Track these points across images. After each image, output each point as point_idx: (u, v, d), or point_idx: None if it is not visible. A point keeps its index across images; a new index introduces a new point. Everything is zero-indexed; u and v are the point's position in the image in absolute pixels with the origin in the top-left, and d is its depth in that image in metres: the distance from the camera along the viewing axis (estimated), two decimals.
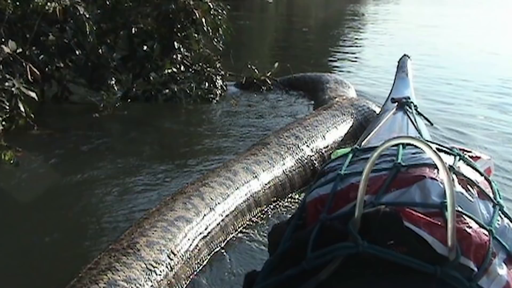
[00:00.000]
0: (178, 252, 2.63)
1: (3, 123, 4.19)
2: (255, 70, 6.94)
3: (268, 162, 3.67)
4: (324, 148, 4.17)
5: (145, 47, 6.01)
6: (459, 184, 1.85)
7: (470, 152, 2.27)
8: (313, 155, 4.02)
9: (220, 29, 6.39)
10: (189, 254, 2.71)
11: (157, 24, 6.14)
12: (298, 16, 18.94)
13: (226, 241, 3.06)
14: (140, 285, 2.34)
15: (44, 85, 5.58)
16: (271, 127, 5.20)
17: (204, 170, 3.97)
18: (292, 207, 3.52)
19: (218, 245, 2.99)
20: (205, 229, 2.90)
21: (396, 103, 3.76)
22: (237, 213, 3.21)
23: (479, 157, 2.27)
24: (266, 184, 3.53)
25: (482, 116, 6.16)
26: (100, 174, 4.02)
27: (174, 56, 6.18)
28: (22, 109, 4.20)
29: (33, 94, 4.30)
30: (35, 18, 5.15)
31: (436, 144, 2.13)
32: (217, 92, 6.28)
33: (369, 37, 13.59)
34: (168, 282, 2.49)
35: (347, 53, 10.61)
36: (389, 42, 12.56)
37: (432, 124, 4.06)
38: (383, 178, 1.84)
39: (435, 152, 1.62)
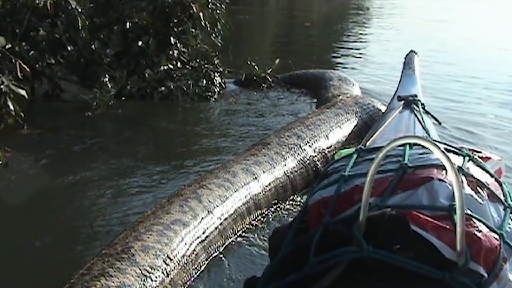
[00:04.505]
0: (174, 257, 2.60)
1: None
2: (255, 66, 6.90)
3: (269, 163, 3.64)
4: (327, 148, 4.14)
5: (140, 43, 5.93)
6: (469, 186, 1.84)
7: (480, 152, 2.26)
8: (315, 156, 3.99)
9: (218, 24, 6.35)
10: (186, 259, 2.69)
11: (152, 18, 6.09)
12: (300, 10, 18.94)
13: (224, 246, 3.03)
14: None
15: (35, 82, 5.51)
16: (271, 126, 5.17)
17: (201, 171, 3.93)
18: (294, 210, 3.49)
19: (216, 250, 2.96)
20: (203, 233, 2.87)
21: (403, 101, 3.83)
22: (236, 216, 3.18)
23: (489, 158, 2.28)
24: (266, 186, 3.49)
25: (493, 114, 6.11)
26: (93, 176, 3.98)
27: (171, 52, 6.13)
28: (11, 107, 4.16)
29: (23, 92, 4.25)
30: (25, 13, 5.08)
31: (444, 144, 2.14)
32: (215, 90, 6.22)
33: (374, 32, 13.56)
34: None
35: (351, 49, 10.59)
36: (395, 37, 12.55)
37: (440, 123, 4.05)
38: (389, 179, 1.84)
39: (443, 152, 1.62)
